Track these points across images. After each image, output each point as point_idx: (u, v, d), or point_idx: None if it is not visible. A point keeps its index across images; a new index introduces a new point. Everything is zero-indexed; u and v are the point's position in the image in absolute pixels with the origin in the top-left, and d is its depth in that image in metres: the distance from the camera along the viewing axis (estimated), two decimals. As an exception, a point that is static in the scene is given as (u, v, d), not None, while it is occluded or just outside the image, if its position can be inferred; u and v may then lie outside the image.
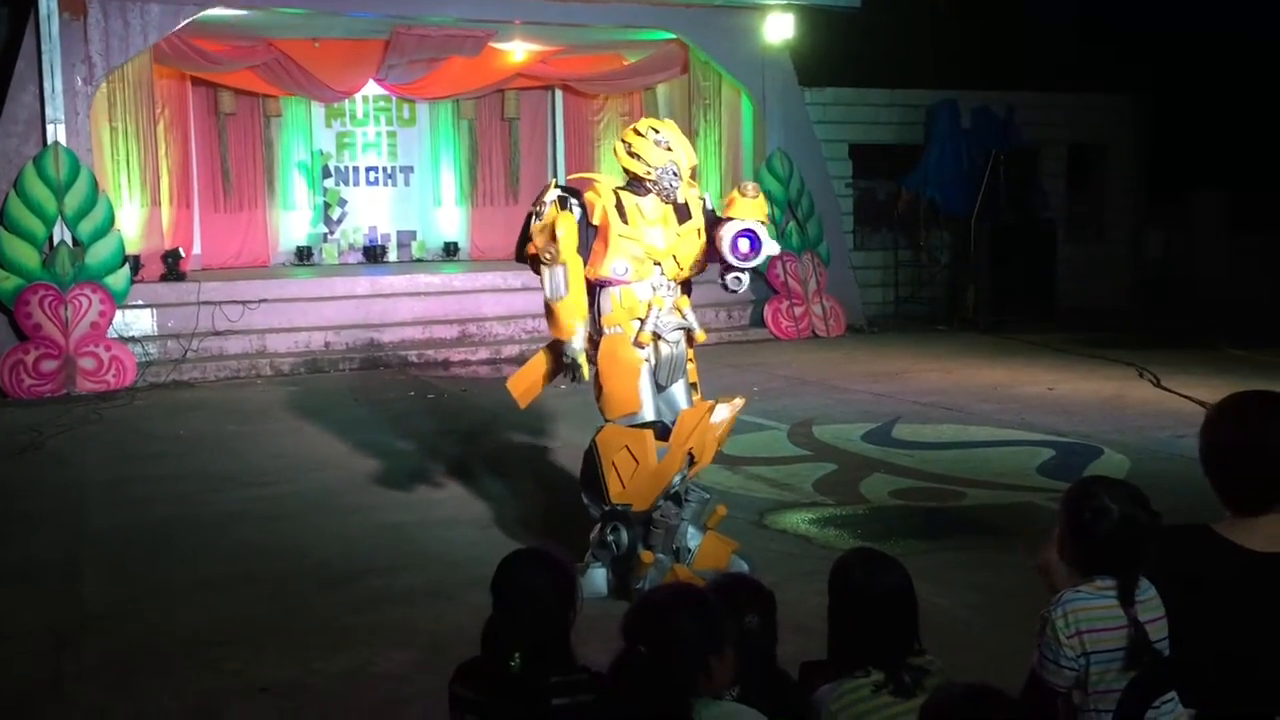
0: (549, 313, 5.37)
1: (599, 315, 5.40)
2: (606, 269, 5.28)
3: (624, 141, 5.34)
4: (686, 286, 5.54)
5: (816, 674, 2.79)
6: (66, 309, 10.97)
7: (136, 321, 11.71)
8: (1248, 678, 2.48)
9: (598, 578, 5.22)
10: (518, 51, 14.88)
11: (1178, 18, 16.19)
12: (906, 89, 16.19)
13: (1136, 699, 2.48)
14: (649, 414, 5.31)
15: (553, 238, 5.20)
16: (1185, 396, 9.51)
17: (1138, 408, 9.42)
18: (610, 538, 5.24)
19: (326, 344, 12.33)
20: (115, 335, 11.32)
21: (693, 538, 5.38)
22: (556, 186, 5.39)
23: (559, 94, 16.34)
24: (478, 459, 8.00)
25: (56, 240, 11.13)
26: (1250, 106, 15.80)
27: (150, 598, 5.37)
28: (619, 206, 5.25)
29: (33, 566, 5.84)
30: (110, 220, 11.38)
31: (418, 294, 13.22)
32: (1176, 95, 16.50)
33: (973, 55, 16.32)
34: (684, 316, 5.40)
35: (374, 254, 15.51)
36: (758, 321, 14.03)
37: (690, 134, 15.41)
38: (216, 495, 7.16)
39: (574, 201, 5.28)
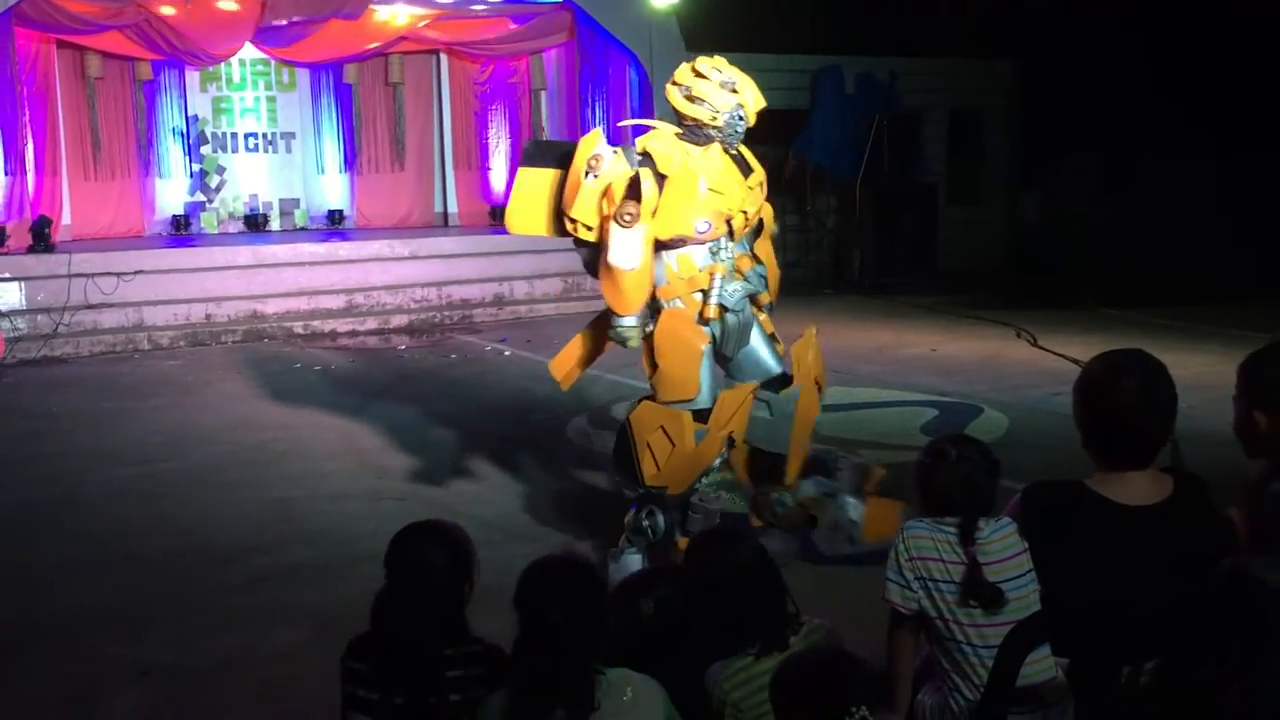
0: (612, 282, 4.71)
1: (654, 286, 4.88)
2: (688, 226, 4.71)
3: (678, 84, 4.77)
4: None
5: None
6: (-74, 283, 10.46)
7: (3, 295, 11.22)
8: (1117, 627, 2.58)
9: (632, 563, 4.82)
10: (400, 15, 14.54)
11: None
12: (792, 54, 16.30)
13: (1013, 650, 2.57)
14: (706, 400, 4.89)
15: (633, 196, 4.59)
16: (1060, 355, 9.82)
17: (1016, 367, 9.71)
18: (646, 523, 4.88)
19: (207, 316, 11.99)
20: (-20, 310, 10.85)
21: (853, 509, 4.99)
22: (606, 141, 4.84)
23: (444, 59, 16.06)
24: (367, 432, 7.88)
25: (-87, 211, 10.60)
26: (1123, 70, 16.28)
27: (23, 581, 5.18)
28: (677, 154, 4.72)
29: (-104, 554, 5.59)
30: (-29, 190, 10.86)
31: (302, 264, 12.91)
32: (1053, 61, 16.91)
33: (857, 21, 16.49)
34: (746, 279, 4.93)
35: (255, 223, 15.10)
36: (648, 287, 14.04)
37: (576, 100, 15.33)
38: (93, 474, 6.93)
39: (639, 157, 4.74)
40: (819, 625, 2.79)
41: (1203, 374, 7.29)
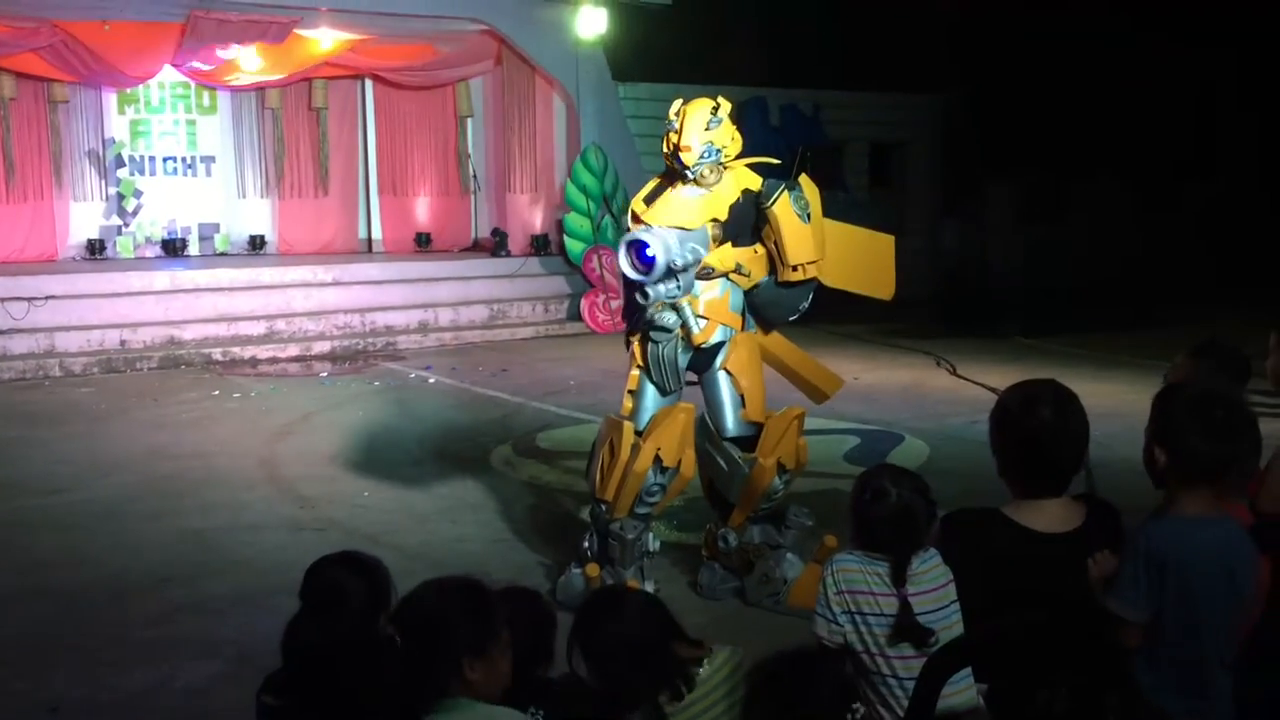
0: None
1: None
2: None
3: None
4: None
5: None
6: None
7: (-92, 320, 10.90)
8: (1033, 652, 2.62)
9: (576, 580, 4.99)
10: (325, 39, 14.44)
11: (978, 19, 17.01)
12: (719, 85, 16.46)
13: (933, 676, 2.59)
14: (640, 423, 4.99)
15: None
16: (979, 384, 10.01)
17: (936, 395, 9.87)
18: (585, 545, 5.08)
19: (122, 342, 11.73)
20: (-117, 335, 10.50)
21: (791, 567, 4.98)
22: None
23: (369, 84, 15.96)
24: (287, 460, 7.75)
25: None
26: (1043, 102, 16.72)
27: (-76, 618, 5.00)
28: (659, 189, 4.92)
29: None
30: (-125, 211, 10.53)
31: (221, 289, 12.70)
32: (974, 93, 17.32)
33: (782, 54, 16.75)
34: (678, 314, 4.86)
35: (173, 247, 14.82)
36: (574, 315, 14.06)
37: (504, 127, 15.33)
38: (1, 504, 6.71)
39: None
40: (731, 653, 2.76)
41: (1115, 403, 7.47)
